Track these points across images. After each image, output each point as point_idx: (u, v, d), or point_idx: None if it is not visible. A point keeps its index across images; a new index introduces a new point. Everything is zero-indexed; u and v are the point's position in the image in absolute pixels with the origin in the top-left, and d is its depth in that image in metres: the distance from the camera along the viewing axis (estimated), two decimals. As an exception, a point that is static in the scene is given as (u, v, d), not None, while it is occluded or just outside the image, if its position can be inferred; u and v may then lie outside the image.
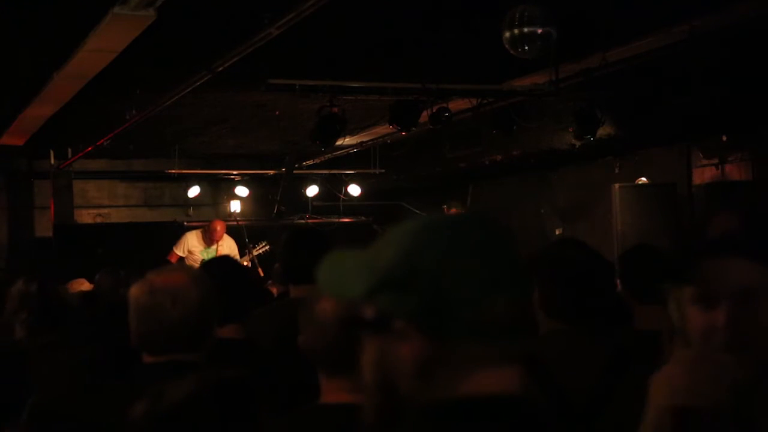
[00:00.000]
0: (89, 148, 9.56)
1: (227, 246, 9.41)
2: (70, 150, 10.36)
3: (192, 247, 9.38)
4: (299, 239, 3.20)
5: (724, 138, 8.34)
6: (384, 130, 9.05)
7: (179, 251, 9.38)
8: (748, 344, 1.35)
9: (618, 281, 3.31)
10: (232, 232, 9.78)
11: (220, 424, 1.45)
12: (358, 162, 11.33)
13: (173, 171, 11.10)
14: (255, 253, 9.53)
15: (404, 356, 1.08)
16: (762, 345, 1.35)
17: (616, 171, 9.70)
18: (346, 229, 11.59)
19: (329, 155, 10.59)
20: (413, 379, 1.08)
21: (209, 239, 9.34)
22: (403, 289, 1.07)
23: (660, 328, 2.36)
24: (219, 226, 9.32)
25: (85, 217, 12.23)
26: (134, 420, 1.48)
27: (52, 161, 10.84)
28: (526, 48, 4.94)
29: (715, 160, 8.64)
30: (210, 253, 9.25)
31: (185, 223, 10.61)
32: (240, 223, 10.40)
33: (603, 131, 7.55)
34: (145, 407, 1.48)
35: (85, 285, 6.10)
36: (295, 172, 11.84)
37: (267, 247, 9.59)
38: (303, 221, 11.67)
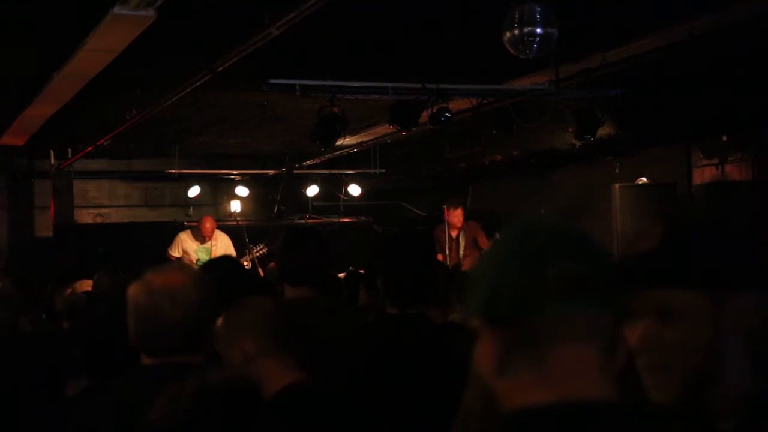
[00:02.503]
0: (89, 148, 9.56)
1: (222, 243, 9.41)
2: (70, 150, 10.36)
3: (186, 247, 9.38)
4: (296, 240, 3.17)
5: (724, 138, 8.33)
6: (384, 130, 9.05)
7: (174, 252, 9.38)
8: (670, 365, 1.31)
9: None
10: (232, 232, 9.77)
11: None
12: (358, 162, 11.33)
13: (173, 171, 11.10)
14: (253, 255, 9.53)
15: (482, 354, 1.12)
16: (685, 365, 1.30)
17: (616, 171, 9.69)
18: (346, 229, 11.59)
19: (329, 155, 10.59)
20: (494, 376, 1.11)
21: (201, 236, 9.35)
22: (471, 291, 1.15)
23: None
24: (208, 223, 9.33)
25: (85, 217, 12.23)
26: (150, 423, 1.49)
27: (52, 161, 10.84)
28: (527, 48, 4.93)
29: (715, 160, 8.64)
30: (205, 252, 9.25)
31: (185, 223, 10.60)
32: (240, 223, 10.40)
33: (603, 131, 7.55)
34: (161, 410, 1.48)
35: (89, 285, 6.09)
36: (295, 172, 11.83)
37: (264, 250, 9.59)
38: (303, 221, 11.67)
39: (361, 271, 6.01)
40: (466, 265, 8.80)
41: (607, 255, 1.17)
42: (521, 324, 1.09)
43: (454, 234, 9.15)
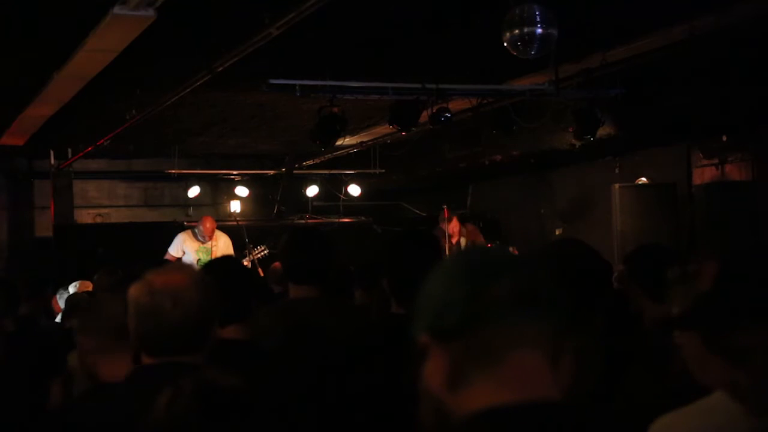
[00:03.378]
0: (89, 148, 9.56)
1: (222, 243, 9.40)
2: (70, 150, 10.36)
3: (187, 247, 9.37)
4: (300, 239, 3.20)
5: (724, 138, 8.33)
6: (384, 130, 9.05)
7: (175, 252, 9.36)
8: (751, 397, 1.34)
9: (623, 280, 3.28)
10: (232, 232, 9.77)
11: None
12: (358, 162, 11.33)
13: (173, 171, 11.10)
14: (254, 256, 9.52)
15: (431, 371, 1.17)
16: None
17: (616, 171, 9.70)
18: (346, 229, 11.59)
19: (329, 155, 10.59)
20: (446, 391, 1.16)
21: (201, 236, 9.33)
22: (420, 309, 1.21)
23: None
24: (209, 223, 9.31)
25: (85, 217, 12.23)
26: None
27: (52, 161, 10.84)
28: (527, 48, 4.93)
29: (715, 160, 8.64)
30: (206, 252, 9.24)
31: (185, 223, 10.59)
32: (240, 223, 10.39)
33: (603, 131, 7.55)
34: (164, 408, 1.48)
35: (90, 287, 6.09)
36: (295, 172, 11.83)
37: (266, 251, 9.58)
38: (303, 221, 11.67)
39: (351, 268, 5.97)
40: None
41: (548, 273, 1.22)
42: (472, 336, 1.13)
43: (454, 240, 9.18)
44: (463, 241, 9.19)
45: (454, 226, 9.14)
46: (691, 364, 1.59)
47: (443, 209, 9.21)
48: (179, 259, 9.27)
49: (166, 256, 9.25)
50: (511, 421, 1.09)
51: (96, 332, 2.40)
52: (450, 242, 9.11)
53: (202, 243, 9.35)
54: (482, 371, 1.13)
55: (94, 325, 2.42)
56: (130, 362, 2.28)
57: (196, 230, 9.44)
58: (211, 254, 9.03)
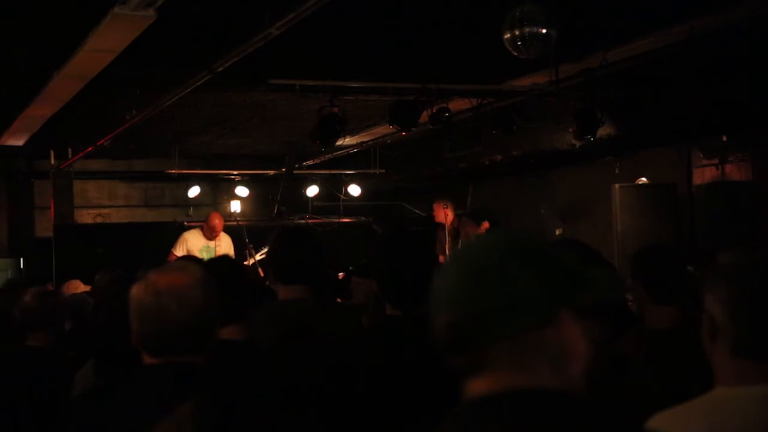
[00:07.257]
0: (89, 148, 9.55)
1: (225, 244, 9.39)
2: (70, 150, 10.35)
3: (192, 246, 9.34)
4: (287, 239, 3.17)
5: (724, 138, 8.33)
6: (384, 130, 9.05)
7: (179, 252, 9.34)
8: None
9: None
10: (232, 232, 9.76)
11: None
12: (358, 162, 11.33)
13: (173, 171, 11.09)
14: (257, 257, 9.51)
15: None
16: None
17: (616, 171, 9.70)
18: (346, 229, 11.58)
19: (329, 155, 10.59)
20: None
21: (209, 233, 9.29)
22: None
23: (672, 327, 2.36)
24: (217, 219, 9.27)
25: (85, 217, 12.23)
26: None
27: (52, 161, 10.83)
28: (527, 48, 4.93)
29: (715, 160, 8.64)
30: (209, 252, 9.23)
31: (185, 223, 10.58)
32: (240, 223, 10.39)
33: (603, 131, 7.55)
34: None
35: (80, 287, 6.08)
36: (295, 172, 11.83)
37: None
38: (303, 221, 11.66)
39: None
40: None
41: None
42: None
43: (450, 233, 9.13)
44: (461, 238, 9.11)
45: (448, 216, 9.05)
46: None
47: (442, 207, 9.14)
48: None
49: (170, 257, 9.24)
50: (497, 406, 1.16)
51: None
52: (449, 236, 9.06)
53: (209, 239, 9.32)
54: None
55: None
56: None
57: (203, 227, 9.43)
58: (215, 254, 9.02)
